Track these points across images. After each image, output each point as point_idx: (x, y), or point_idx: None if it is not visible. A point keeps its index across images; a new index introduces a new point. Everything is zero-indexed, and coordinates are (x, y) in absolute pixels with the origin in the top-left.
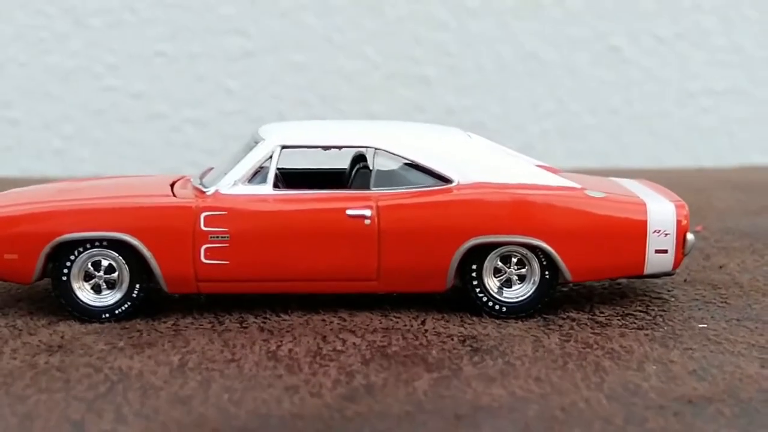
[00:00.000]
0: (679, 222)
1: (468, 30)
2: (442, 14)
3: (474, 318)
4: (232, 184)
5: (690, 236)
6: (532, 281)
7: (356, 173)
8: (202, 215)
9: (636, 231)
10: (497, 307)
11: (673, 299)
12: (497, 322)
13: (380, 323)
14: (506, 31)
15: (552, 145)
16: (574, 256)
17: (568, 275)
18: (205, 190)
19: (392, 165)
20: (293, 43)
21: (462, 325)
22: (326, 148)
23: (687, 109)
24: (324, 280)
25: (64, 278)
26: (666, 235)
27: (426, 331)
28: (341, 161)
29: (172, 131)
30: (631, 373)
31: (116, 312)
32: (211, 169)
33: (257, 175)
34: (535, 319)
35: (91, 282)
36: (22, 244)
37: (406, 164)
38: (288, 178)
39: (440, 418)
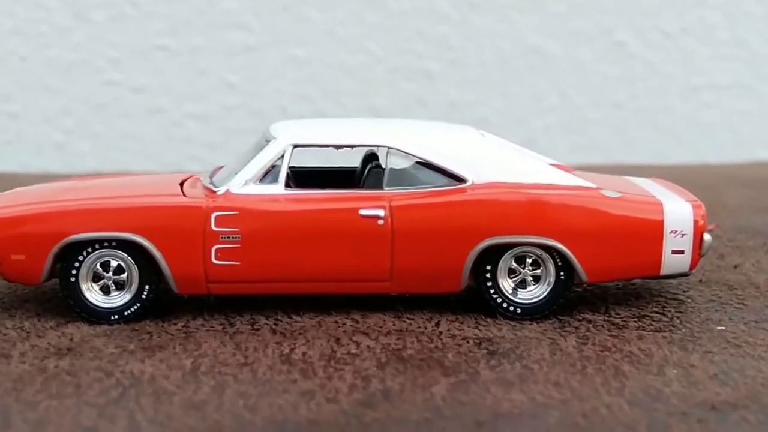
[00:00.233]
0: (696, 222)
1: (471, 24)
2: (445, 8)
3: (488, 320)
4: (243, 184)
5: (707, 237)
6: (547, 282)
7: (368, 172)
8: (213, 215)
9: (652, 231)
10: (512, 308)
11: (689, 300)
12: (512, 323)
13: (394, 325)
14: (509, 25)
15: (555, 140)
16: (589, 256)
17: (584, 276)
18: (215, 189)
19: (405, 164)
20: (295, 38)
21: (477, 327)
22: (338, 147)
23: (691, 103)
24: (336, 281)
25: (73, 279)
26: (683, 235)
27: (440, 333)
28: (351, 159)
29: (173, 126)
30: (652, 378)
31: (125, 313)
32: (221, 167)
33: (268, 174)
34: (550, 321)
35: (99, 283)
36: (30, 245)
37: (419, 163)
38: (298, 177)
39: (460, 425)
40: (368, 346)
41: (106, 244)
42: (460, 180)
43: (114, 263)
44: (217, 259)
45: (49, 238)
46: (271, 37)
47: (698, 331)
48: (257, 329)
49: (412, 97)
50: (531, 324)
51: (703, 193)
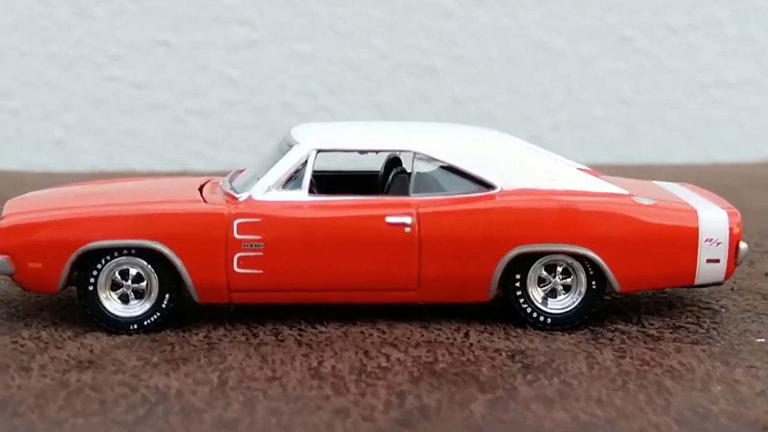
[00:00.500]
0: (731, 230)
1: (475, 19)
2: (449, 3)
3: (518, 330)
4: (265, 190)
5: (743, 245)
6: (578, 292)
7: (394, 178)
8: (235, 222)
9: (687, 240)
10: (542, 318)
11: (723, 310)
12: (543, 334)
13: (422, 336)
14: (514, 21)
15: (561, 137)
16: (622, 265)
17: (616, 285)
18: (237, 195)
19: (430, 169)
20: (298, 33)
21: (507, 338)
22: (363, 151)
23: (698, 100)
24: (361, 290)
25: (91, 288)
26: (718, 244)
27: (471, 345)
28: (371, 163)
29: (174, 122)
30: (697, 395)
31: (145, 323)
32: (241, 171)
33: (291, 179)
34: (582, 332)
35: (118, 292)
36: (47, 252)
37: (445, 168)
38: (317, 181)
39: None
40: (398, 359)
41: (125, 251)
42: (488, 186)
43: (133, 271)
44: (239, 267)
45: (67, 246)
46: (274, 32)
47: (738, 344)
48: (282, 340)
49: (416, 93)
50: (563, 335)
51: (723, 195)
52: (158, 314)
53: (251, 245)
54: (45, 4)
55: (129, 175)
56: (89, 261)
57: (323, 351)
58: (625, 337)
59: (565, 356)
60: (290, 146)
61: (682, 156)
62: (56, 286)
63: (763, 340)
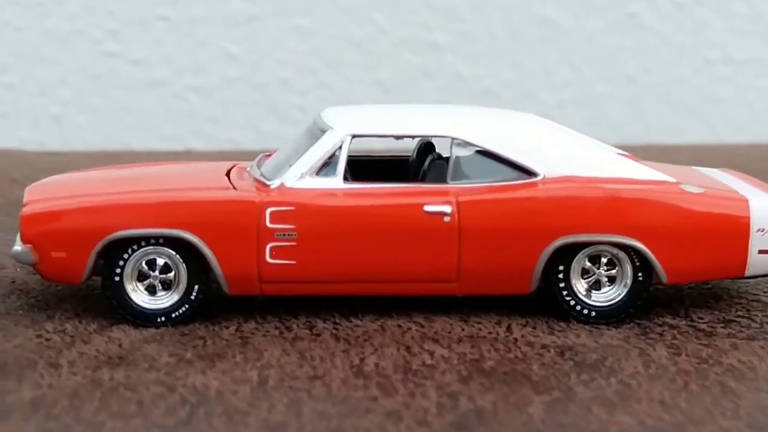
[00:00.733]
0: None
1: None
2: None
3: (562, 324)
4: (298, 177)
5: None
6: (623, 283)
7: (431, 165)
8: (268, 211)
9: (738, 230)
10: (585, 311)
11: None
12: (588, 328)
13: (462, 330)
14: None
15: (566, 114)
16: (670, 256)
17: (664, 277)
18: (268, 183)
19: (468, 155)
20: (298, 7)
21: (552, 333)
22: (399, 137)
23: (705, 77)
24: (398, 281)
25: (117, 279)
26: None
27: (516, 340)
28: (397, 146)
29: (173, 98)
30: (765, 397)
31: (173, 315)
32: (268, 155)
33: (325, 166)
34: (628, 326)
35: (145, 283)
36: (72, 241)
37: (484, 154)
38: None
39: None
40: (443, 356)
41: (152, 241)
42: (530, 173)
43: (160, 261)
44: (271, 257)
45: (93, 234)
46: (274, 7)
47: None
48: (317, 334)
49: (418, 69)
50: (609, 329)
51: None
52: (186, 306)
53: (284, 234)
54: None
55: (128, 154)
56: (115, 250)
57: (363, 347)
58: (675, 332)
59: (617, 353)
60: (322, 131)
61: (689, 134)
62: (81, 277)
63: None
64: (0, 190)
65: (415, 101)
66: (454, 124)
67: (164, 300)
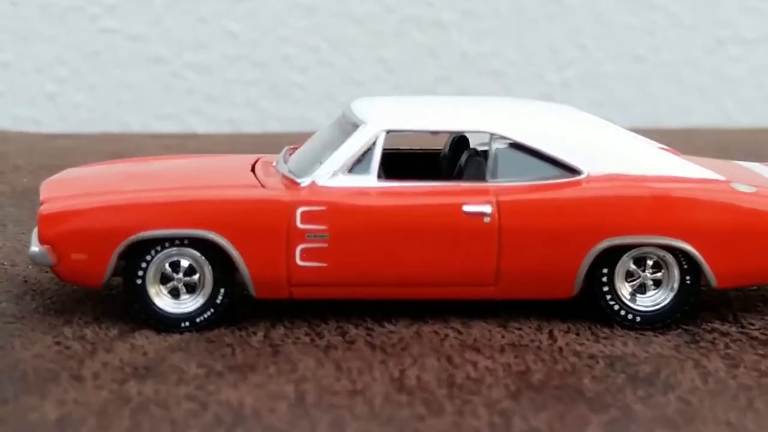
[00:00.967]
0: None
1: None
2: None
3: (605, 330)
4: (330, 175)
5: None
6: (670, 287)
7: (468, 161)
8: (299, 211)
9: None
10: (630, 316)
11: None
12: (634, 335)
13: (503, 338)
14: None
15: (572, 94)
16: (721, 259)
17: (714, 281)
18: (298, 180)
19: (507, 151)
20: None
21: (597, 341)
22: (436, 132)
23: (715, 57)
24: (434, 285)
25: (139, 282)
26: None
27: (561, 349)
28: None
29: (172, 76)
30: None
31: (197, 320)
32: (294, 149)
33: (358, 163)
34: (676, 332)
35: (168, 285)
36: (93, 243)
37: (524, 150)
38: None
39: None
40: (487, 368)
41: (177, 242)
42: (573, 171)
43: (185, 263)
44: (302, 260)
45: (115, 235)
46: None
47: None
48: (351, 342)
49: (422, 48)
50: (656, 336)
51: None
52: (212, 310)
53: (315, 236)
54: None
55: (130, 136)
56: (138, 252)
57: (401, 356)
58: (727, 339)
59: (670, 364)
60: (354, 125)
61: (698, 115)
62: (101, 279)
63: None
64: (4, 178)
65: (419, 80)
66: (494, 118)
67: (189, 304)
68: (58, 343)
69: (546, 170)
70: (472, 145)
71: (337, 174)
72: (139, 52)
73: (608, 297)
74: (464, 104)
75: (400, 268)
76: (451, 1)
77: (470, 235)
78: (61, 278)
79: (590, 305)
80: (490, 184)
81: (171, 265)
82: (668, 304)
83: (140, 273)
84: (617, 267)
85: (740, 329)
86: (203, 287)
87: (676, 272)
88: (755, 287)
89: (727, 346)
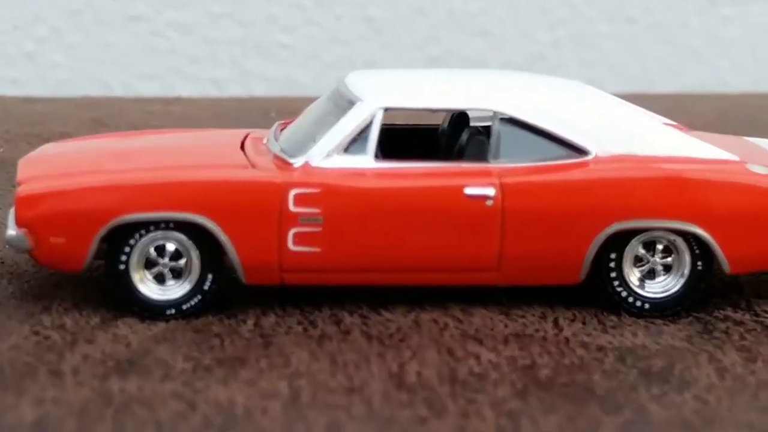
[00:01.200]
0: None
1: None
2: None
3: (613, 318)
4: (325, 155)
5: None
6: (680, 273)
7: (469, 140)
8: (291, 193)
9: None
10: (638, 303)
11: None
12: (643, 323)
13: (505, 327)
14: None
15: (563, 55)
16: (735, 244)
17: (727, 267)
18: (291, 161)
19: (511, 130)
20: None
21: (605, 331)
22: (436, 110)
23: (708, 18)
24: (434, 271)
25: (122, 267)
26: None
27: (567, 340)
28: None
29: (154, 35)
30: None
31: (183, 308)
32: (285, 124)
33: (354, 142)
34: (686, 320)
35: (153, 271)
36: (73, 226)
37: (529, 129)
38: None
39: None
40: (490, 361)
41: (162, 225)
42: (580, 152)
43: (170, 247)
44: (294, 244)
45: (97, 218)
46: None
47: None
48: (346, 332)
49: (410, 6)
50: (667, 325)
51: None
52: (199, 297)
53: (309, 219)
54: None
55: (112, 100)
56: (121, 236)
57: (399, 349)
58: (741, 329)
59: (683, 358)
60: (350, 102)
61: (691, 77)
62: (82, 264)
63: None
64: None
65: (407, 40)
66: (497, 95)
67: (175, 290)
68: (36, 333)
69: (552, 150)
70: (472, 122)
71: (331, 154)
72: (120, 10)
73: (616, 283)
74: (465, 80)
75: (397, 253)
76: None
77: (472, 219)
78: (40, 263)
79: (596, 292)
80: (492, 164)
81: (156, 249)
82: (678, 290)
83: (123, 258)
84: (626, 252)
85: (754, 317)
86: (190, 273)
87: (687, 257)
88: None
89: (742, 337)
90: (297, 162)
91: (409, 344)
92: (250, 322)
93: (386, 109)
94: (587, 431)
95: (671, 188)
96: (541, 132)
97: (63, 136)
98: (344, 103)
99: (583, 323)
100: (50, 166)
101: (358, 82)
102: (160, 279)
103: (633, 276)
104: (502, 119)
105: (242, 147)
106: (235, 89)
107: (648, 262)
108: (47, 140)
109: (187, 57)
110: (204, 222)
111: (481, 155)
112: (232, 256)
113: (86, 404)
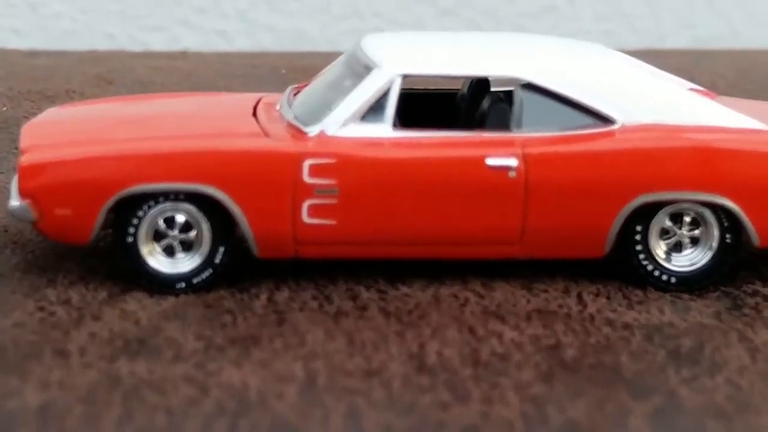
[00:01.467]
0: None
1: None
2: None
3: (638, 292)
4: (341, 124)
5: None
6: (708, 246)
7: (491, 108)
8: (306, 163)
9: None
10: (664, 277)
11: None
12: (669, 299)
13: (528, 302)
14: None
15: (577, 7)
16: (765, 216)
17: (756, 240)
18: (305, 130)
19: (534, 98)
20: None
21: (631, 307)
22: (456, 77)
23: None
24: (454, 244)
25: (130, 240)
26: None
27: (592, 317)
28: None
29: None
30: None
31: (194, 281)
32: (299, 89)
33: (371, 110)
34: (714, 295)
35: (162, 243)
36: (79, 197)
37: (552, 96)
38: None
39: None
40: (513, 341)
41: (172, 196)
42: (606, 121)
43: (180, 218)
44: (309, 216)
45: (104, 189)
46: None
47: None
48: (362, 308)
49: None
50: (694, 300)
51: None
52: (210, 271)
53: (324, 191)
54: None
55: (118, 54)
56: (129, 207)
57: (419, 327)
58: None
59: (713, 336)
60: (366, 68)
61: (704, 29)
62: (89, 236)
63: None
64: None
65: None
66: (520, 62)
67: (185, 263)
68: (41, 309)
69: (576, 119)
70: (493, 87)
71: (348, 123)
72: None
73: (642, 257)
74: (486, 45)
75: (416, 226)
76: None
77: (494, 191)
78: (44, 235)
79: (620, 264)
80: (515, 134)
81: (165, 221)
82: (706, 264)
83: (131, 230)
84: (652, 224)
85: None
86: (200, 245)
87: (715, 230)
88: None
89: None
90: (312, 131)
91: (429, 321)
92: (263, 297)
93: (405, 76)
94: (616, 418)
95: (700, 159)
96: (566, 100)
97: (67, 93)
98: (360, 68)
99: (608, 298)
100: (55, 134)
101: (374, 46)
102: (169, 252)
103: (659, 249)
104: (525, 86)
105: (254, 113)
106: (242, 41)
107: (675, 234)
108: (51, 98)
109: (192, 8)
110: (215, 193)
111: (503, 124)
112: (244, 229)
113: (94, 388)
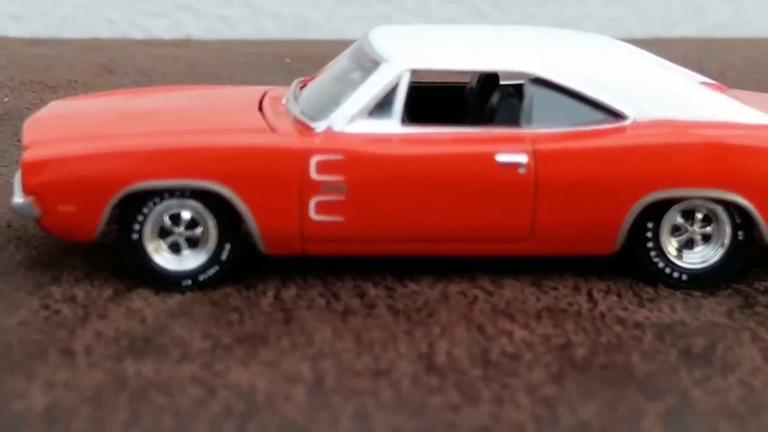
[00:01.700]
0: None
1: None
2: None
3: (648, 290)
4: (349, 119)
5: None
6: (719, 243)
7: (500, 103)
8: (313, 160)
9: None
10: (676, 274)
11: None
12: (681, 296)
13: (537, 300)
14: None
15: None
16: None
17: None
18: (312, 125)
19: (545, 93)
20: None
21: (641, 305)
22: (466, 72)
23: None
24: (463, 240)
25: (135, 236)
26: None
27: (602, 315)
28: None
29: None
30: None
31: (200, 278)
32: (304, 82)
33: (379, 105)
34: (725, 293)
35: (168, 240)
36: (83, 193)
37: (563, 91)
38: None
39: None
40: (523, 340)
41: (177, 193)
42: (617, 116)
43: (186, 215)
44: (316, 213)
45: (108, 186)
46: None
47: None
48: (370, 306)
49: None
50: (705, 298)
51: None
52: (216, 268)
53: (332, 188)
54: None
55: (120, 42)
56: (134, 204)
57: (427, 325)
58: None
59: (725, 336)
60: (374, 62)
61: (712, 16)
62: (93, 234)
63: None
64: None
65: None
66: (530, 56)
67: (190, 260)
68: (45, 307)
69: (587, 114)
70: (502, 81)
71: (355, 118)
72: None
73: (653, 253)
74: (496, 38)
75: (424, 223)
76: None
77: (503, 188)
78: (48, 232)
79: (630, 261)
80: (525, 130)
81: (171, 217)
82: (718, 261)
83: (136, 227)
84: (663, 221)
85: None
86: (206, 242)
87: (727, 227)
88: None
89: None
90: (319, 126)
91: (438, 320)
92: (270, 294)
93: (413, 71)
94: (629, 421)
95: (712, 155)
96: (576, 95)
97: (69, 83)
98: (368, 62)
99: (618, 296)
100: (58, 129)
101: (382, 40)
102: (175, 249)
103: (670, 246)
104: (534, 81)
105: (260, 107)
106: (245, 27)
107: (686, 231)
108: (53, 88)
109: None
110: (221, 190)
111: (513, 119)
112: (251, 226)
113: (100, 389)
